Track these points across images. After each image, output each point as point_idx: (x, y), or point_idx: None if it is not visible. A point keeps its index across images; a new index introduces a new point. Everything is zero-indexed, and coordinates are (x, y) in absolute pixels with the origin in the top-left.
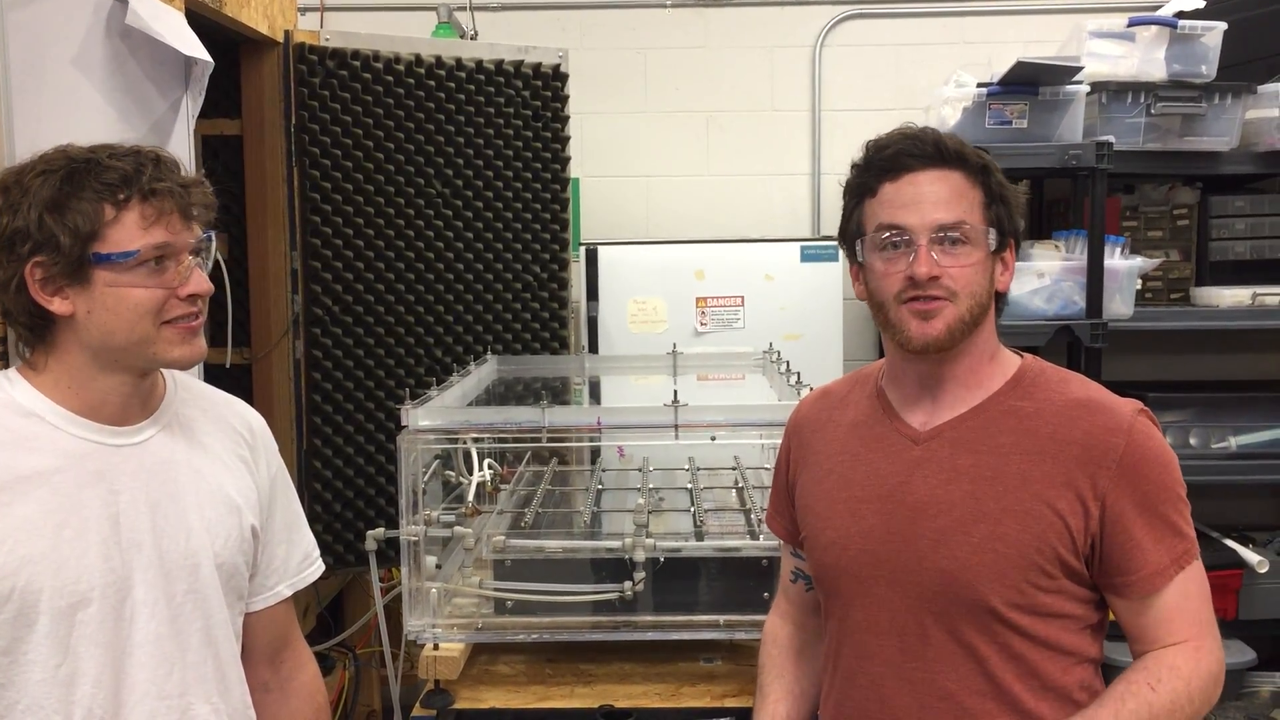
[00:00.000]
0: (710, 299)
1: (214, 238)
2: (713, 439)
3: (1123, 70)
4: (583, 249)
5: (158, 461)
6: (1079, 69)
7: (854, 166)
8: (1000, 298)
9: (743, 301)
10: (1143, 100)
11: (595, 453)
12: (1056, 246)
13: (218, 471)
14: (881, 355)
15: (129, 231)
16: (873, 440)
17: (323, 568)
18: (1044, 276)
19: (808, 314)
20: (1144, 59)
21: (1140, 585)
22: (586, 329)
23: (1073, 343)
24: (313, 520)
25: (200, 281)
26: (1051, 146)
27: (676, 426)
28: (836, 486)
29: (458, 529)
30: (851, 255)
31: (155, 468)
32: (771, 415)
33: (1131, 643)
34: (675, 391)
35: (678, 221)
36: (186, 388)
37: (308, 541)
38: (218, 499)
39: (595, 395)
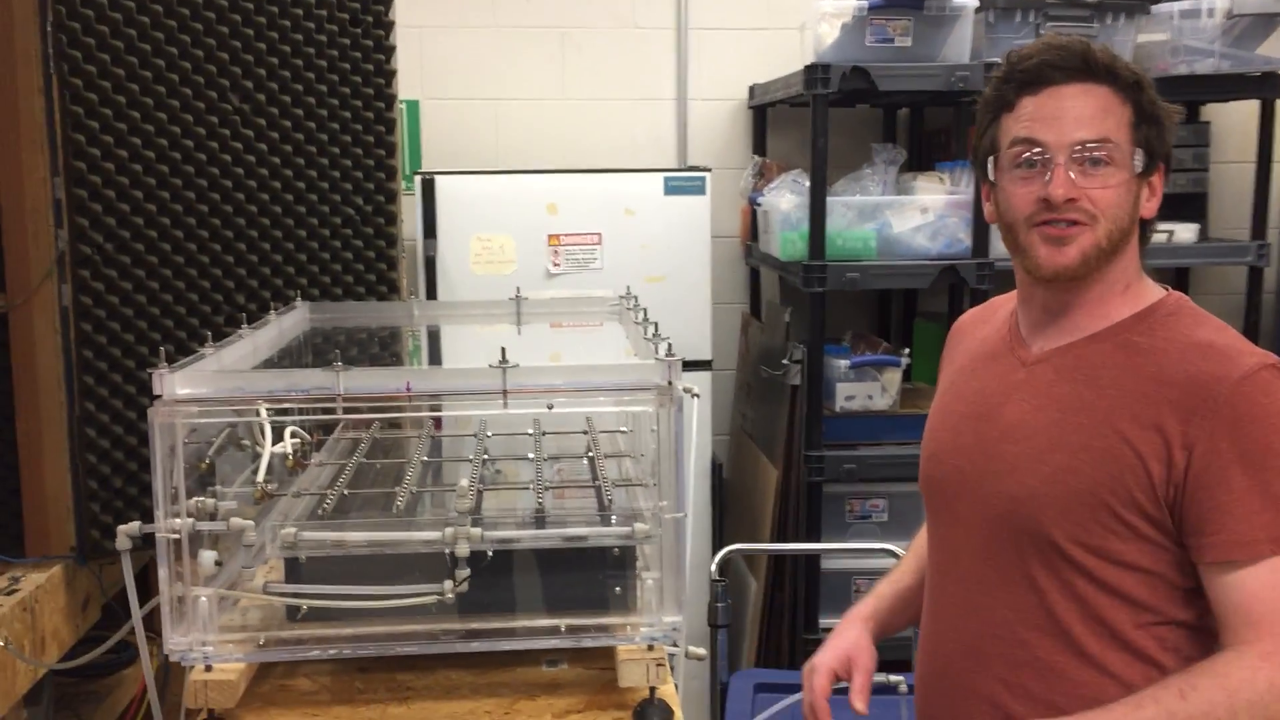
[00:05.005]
0: (564, 236)
1: None
2: (550, 407)
3: None
4: (417, 179)
5: None
6: None
7: (991, 79)
8: (1146, 225)
9: (600, 239)
10: (1032, 19)
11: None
12: (941, 179)
13: None
14: (752, 296)
15: None
16: (990, 359)
17: None
18: (927, 212)
19: (672, 253)
20: None
21: (1216, 550)
22: (423, 271)
23: (956, 284)
24: (89, 499)
25: None
26: (937, 67)
27: (505, 393)
28: (950, 400)
29: (234, 521)
30: (983, 173)
31: None
32: (619, 378)
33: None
34: (503, 350)
35: (531, 150)
36: None
37: None
38: None
39: (435, 349)
